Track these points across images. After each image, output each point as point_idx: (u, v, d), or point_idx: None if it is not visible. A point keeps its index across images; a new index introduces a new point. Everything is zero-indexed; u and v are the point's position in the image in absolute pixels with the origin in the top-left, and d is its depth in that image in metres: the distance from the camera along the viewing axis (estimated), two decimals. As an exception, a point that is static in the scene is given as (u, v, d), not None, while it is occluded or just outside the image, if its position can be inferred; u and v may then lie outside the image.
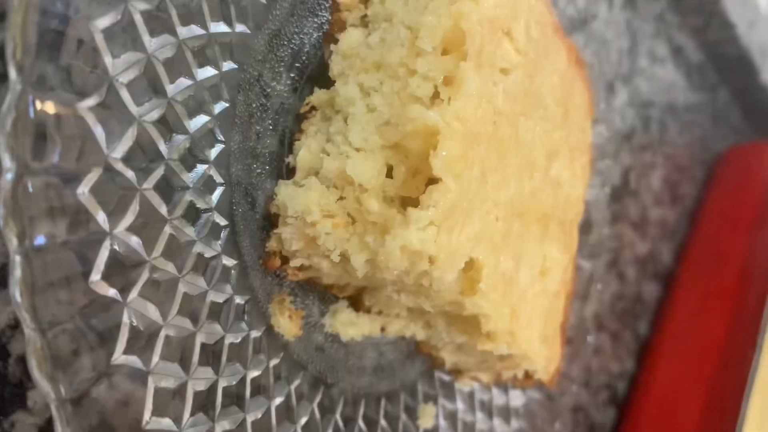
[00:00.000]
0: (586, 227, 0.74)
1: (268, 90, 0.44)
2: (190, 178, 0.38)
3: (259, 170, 0.44)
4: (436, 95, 0.39)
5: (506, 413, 0.63)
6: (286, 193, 0.41)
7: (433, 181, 0.38)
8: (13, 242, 0.30)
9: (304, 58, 0.46)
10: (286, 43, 0.45)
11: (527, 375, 0.53)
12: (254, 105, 0.43)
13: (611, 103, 0.81)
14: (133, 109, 0.34)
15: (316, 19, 0.47)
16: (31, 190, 0.30)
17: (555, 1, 0.64)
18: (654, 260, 0.92)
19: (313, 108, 0.45)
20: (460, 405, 0.59)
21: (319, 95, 0.44)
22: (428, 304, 0.44)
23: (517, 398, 0.65)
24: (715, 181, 1.01)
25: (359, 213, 0.40)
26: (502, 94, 0.43)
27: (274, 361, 0.45)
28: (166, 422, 0.37)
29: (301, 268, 0.44)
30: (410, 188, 0.40)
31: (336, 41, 0.45)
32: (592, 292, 0.70)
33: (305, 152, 0.42)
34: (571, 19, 0.67)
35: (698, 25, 0.94)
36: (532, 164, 0.47)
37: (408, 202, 0.39)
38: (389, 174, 0.40)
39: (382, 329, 0.50)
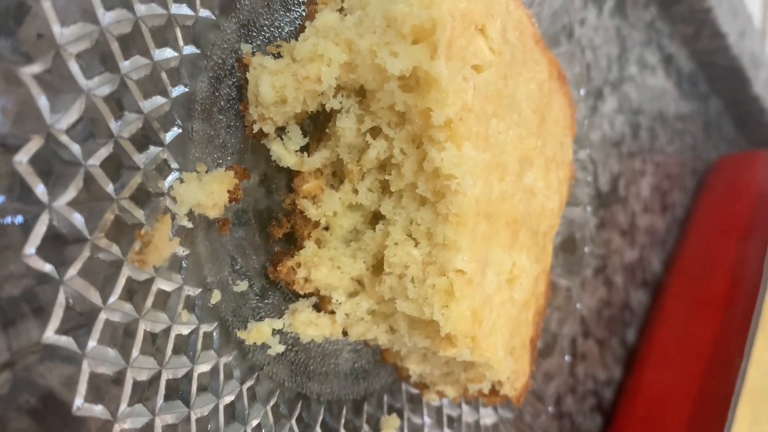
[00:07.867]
0: (569, 245, 0.73)
1: (233, 80, 0.43)
2: (141, 159, 0.37)
3: (220, 160, 0.43)
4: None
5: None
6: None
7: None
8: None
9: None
10: (255, 34, 0.45)
11: (493, 390, 0.51)
12: (218, 94, 0.42)
13: (600, 109, 0.80)
14: (82, 81, 0.34)
15: (288, 14, 0.47)
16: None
17: (539, 13, 0.64)
18: (643, 268, 0.90)
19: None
20: (427, 420, 0.57)
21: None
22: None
23: (488, 417, 0.62)
24: (705, 190, 1.00)
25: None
26: (472, 90, 0.42)
27: (225, 359, 0.43)
28: (99, 409, 0.35)
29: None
30: None
31: None
32: (571, 310, 0.68)
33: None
34: (554, 34, 0.66)
35: (689, 34, 0.94)
36: (503, 167, 0.46)
37: None
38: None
39: (344, 333, 0.48)
